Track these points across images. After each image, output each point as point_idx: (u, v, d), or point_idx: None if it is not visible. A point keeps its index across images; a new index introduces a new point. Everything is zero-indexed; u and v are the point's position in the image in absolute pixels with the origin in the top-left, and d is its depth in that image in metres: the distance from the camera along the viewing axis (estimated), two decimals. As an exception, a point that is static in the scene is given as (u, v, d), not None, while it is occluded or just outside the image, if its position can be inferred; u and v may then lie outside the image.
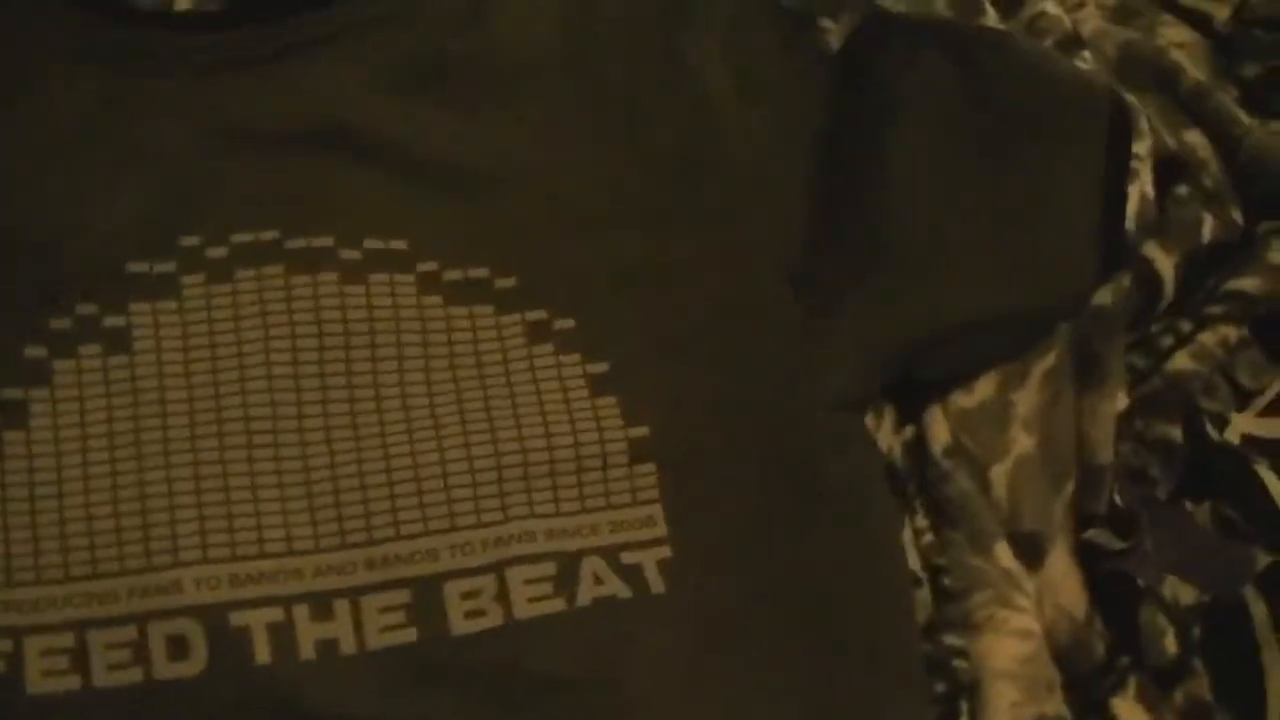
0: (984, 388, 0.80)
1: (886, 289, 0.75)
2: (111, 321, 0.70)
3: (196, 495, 0.68)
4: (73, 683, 0.65)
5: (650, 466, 0.70)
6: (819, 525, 0.71)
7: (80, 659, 0.65)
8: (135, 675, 0.65)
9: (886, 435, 0.78)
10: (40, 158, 0.73)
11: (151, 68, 0.75)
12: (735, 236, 0.74)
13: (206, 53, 0.75)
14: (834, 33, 0.82)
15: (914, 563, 0.76)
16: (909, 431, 0.79)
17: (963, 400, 0.79)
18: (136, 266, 0.71)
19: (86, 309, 0.70)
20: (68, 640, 0.65)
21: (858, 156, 0.77)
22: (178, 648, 0.66)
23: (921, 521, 0.77)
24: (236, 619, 0.66)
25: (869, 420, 0.77)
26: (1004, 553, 0.76)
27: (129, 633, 0.66)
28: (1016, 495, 0.78)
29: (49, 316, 0.69)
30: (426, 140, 0.74)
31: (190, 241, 0.71)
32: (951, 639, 0.75)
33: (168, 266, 0.71)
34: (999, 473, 0.78)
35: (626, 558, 0.69)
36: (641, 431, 0.71)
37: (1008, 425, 0.79)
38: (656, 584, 0.69)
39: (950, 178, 0.77)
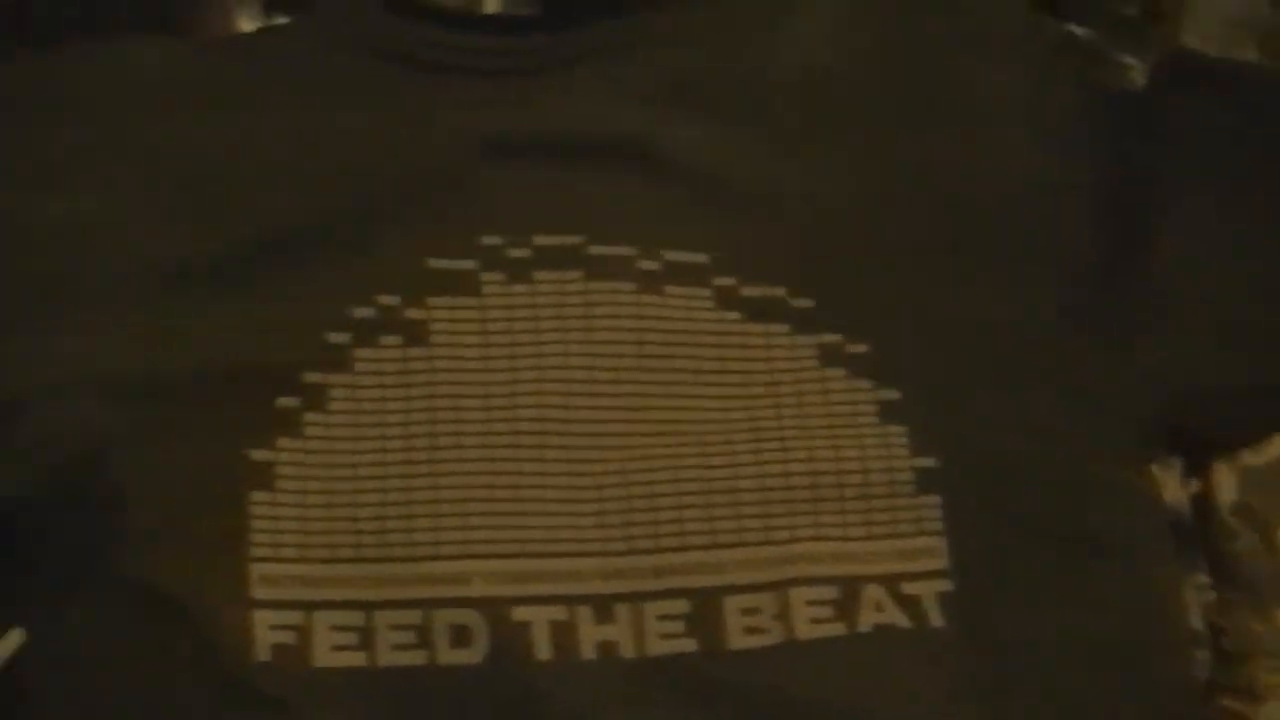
0: (1274, 447, 0.78)
1: (1166, 345, 0.74)
2: (412, 314, 0.71)
3: (489, 490, 0.69)
4: (358, 659, 0.66)
5: (935, 499, 0.70)
6: (1096, 575, 0.70)
7: (367, 637, 0.67)
8: (419, 658, 0.66)
9: (1173, 488, 0.77)
10: (339, 152, 0.74)
11: (451, 67, 0.77)
12: (1020, 274, 0.74)
13: (505, 56, 0.77)
14: (1136, 70, 0.81)
15: (1196, 621, 0.74)
16: (1195, 485, 0.77)
17: (1251, 458, 0.78)
18: (438, 263, 0.72)
19: (388, 300, 0.71)
20: (356, 618, 0.67)
21: (1148, 202, 0.76)
22: (460, 636, 0.67)
23: (1203, 579, 0.76)
24: (519, 614, 0.67)
25: (1155, 470, 0.75)
26: (1286, 618, 0.74)
27: (414, 617, 0.67)
28: (1302, 559, 0.76)
29: (352, 305, 0.71)
30: (723, 156, 0.75)
31: (492, 241, 0.72)
32: (1231, 703, 0.73)
33: (468, 264, 0.72)
34: (1286, 535, 0.76)
35: (907, 588, 0.69)
36: (929, 462, 0.70)
37: (1298, 486, 0.77)
38: (936, 617, 0.68)
39: (1242, 238, 0.75)
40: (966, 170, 0.75)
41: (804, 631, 0.67)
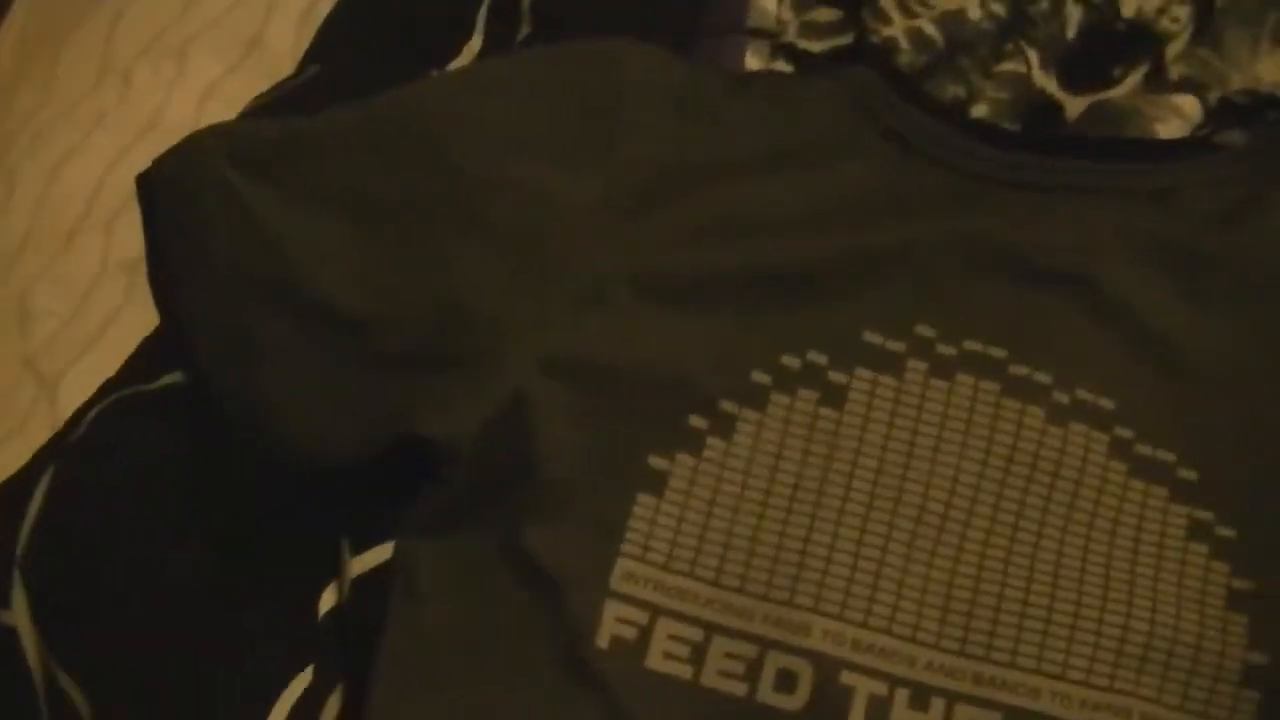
0: None
1: None
2: (835, 376, 0.75)
3: (854, 557, 0.73)
4: (685, 671, 0.71)
5: (1257, 694, 0.71)
6: None
7: (699, 654, 0.71)
8: (740, 688, 0.71)
9: None
10: (837, 208, 0.78)
11: (941, 160, 0.80)
12: None
13: (990, 162, 0.80)
14: None
15: None
16: None
17: None
18: (872, 337, 0.76)
19: (817, 357, 0.75)
20: (696, 634, 0.71)
21: None
22: (786, 681, 0.71)
23: None
24: (846, 678, 0.71)
25: None
26: None
27: (749, 649, 0.71)
28: None
29: (782, 352, 0.75)
30: (1161, 317, 0.76)
31: (926, 332, 0.76)
32: None
33: (899, 346, 0.76)
34: None
35: None
36: (1260, 659, 0.72)
37: None
38: None
39: None
40: None
41: None
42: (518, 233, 0.76)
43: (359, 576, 0.77)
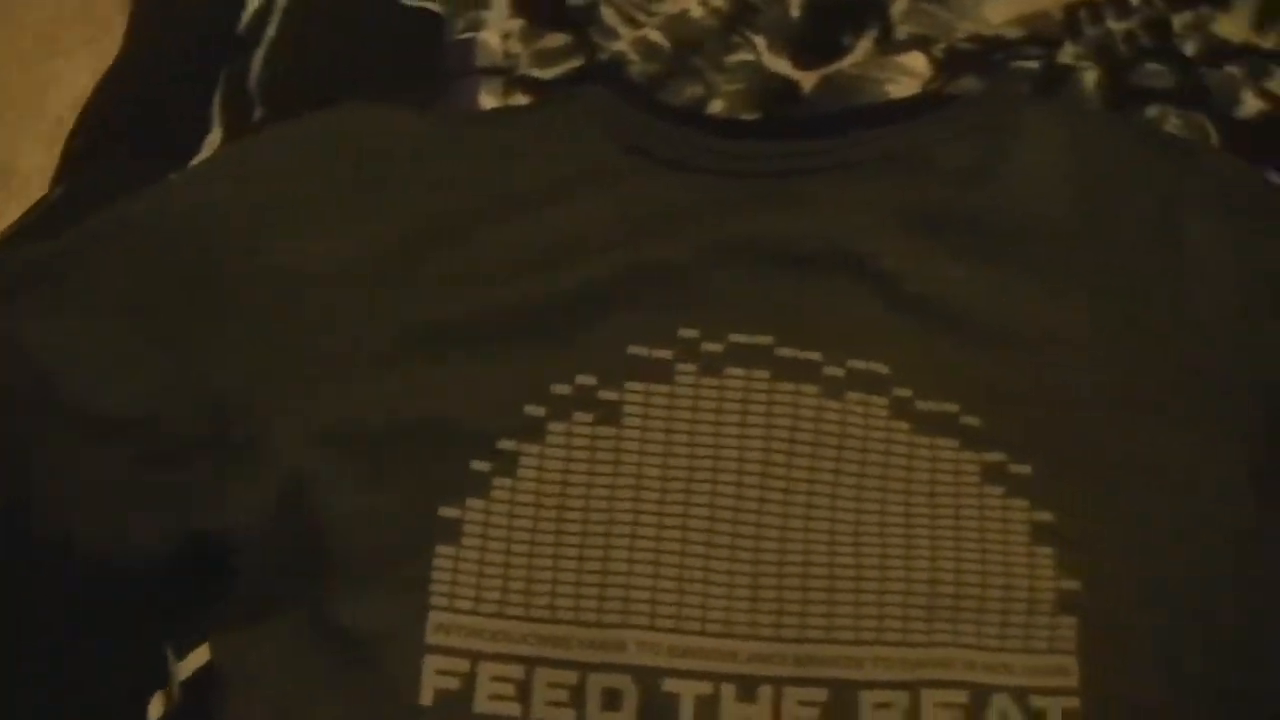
0: None
1: None
2: (606, 395, 0.75)
3: (654, 566, 0.73)
4: (514, 710, 0.71)
5: (1073, 620, 0.72)
6: None
7: (524, 691, 0.71)
8: (568, 716, 0.71)
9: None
10: (572, 232, 0.78)
11: (689, 165, 0.80)
12: (1209, 434, 0.75)
13: (731, 157, 0.80)
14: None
15: None
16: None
17: None
18: (637, 350, 0.76)
19: (586, 380, 0.75)
20: (517, 672, 0.71)
21: None
22: (611, 700, 0.71)
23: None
24: (669, 685, 0.71)
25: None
26: None
27: (571, 677, 0.71)
28: None
29: (553, 381, 0.75)
30: (922, 278, 0.77)
31: (689, 334, 0.76)
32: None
33: (665, 353, 0.76)
34: None
35: (1035, 701, 0.71)
36: (1072, 585, 0.72)
37: None
38: None
39: None
40: (1164, 314, 0.77)
41: None
42: (270, 312, 0.76)
43: (186, 680, 0.77)
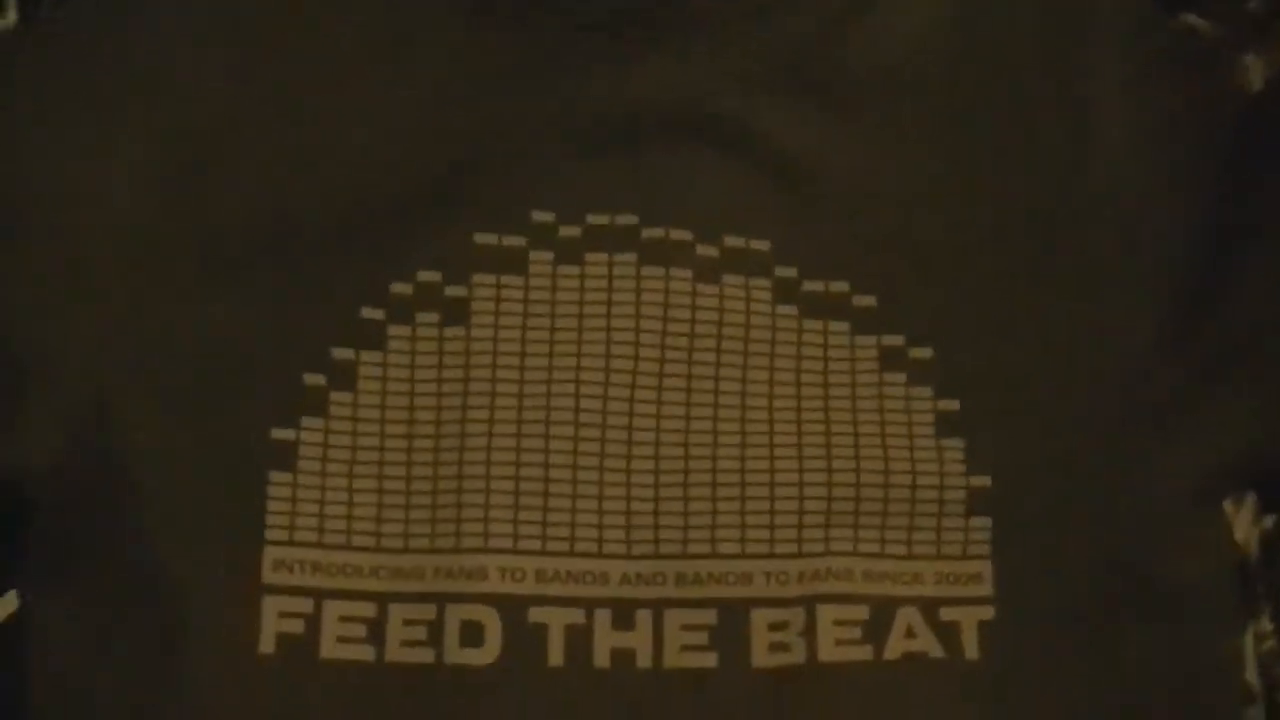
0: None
1: (1259, 382, 0.70)
2: (453, 291, 0.69)
3: (515, 481, 0.67)
4: (366, 653, 0.65)
5: (986, 521, 0.67)
6: (1145, 624, 0.68)
7: (378, 630, 0.66)
8: (426, 655, 0.65)
9: (1244, 526, 0.74)
10: (398, 112, 0.71)
11: (530, 23, 0.72)
12: (1108, 290, 0.70)
13: (584, 15, 0.71)
14: (1255, 70, 0.77)
15: (1251, 675, 0.72)
16: (1269, 521, 0.74)
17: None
18: (484, 238, 0.69)
19: (429, 276, 0.69)
20: (369, 609, 0.66)
21: (1252, 222, 0.71)
22: (472, 634, 0.65)
23: (1267, 625, 0.72)
24: (536, 615, 0.66)
25: (1227, 506, 0.72)
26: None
27: (428, 611, 0.66)
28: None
29: (390, 280, 0.69)
30: (799, 141, 0.71)
31: (543, 217, 0.70)
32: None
33: (517, 241, 0.69)
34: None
35: (945, 613, 0.67)
36: (983, 481, 0.68)
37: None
38: (971, 648, 0.66)
39: None
40: (1061, 173, 0.71)
41: (827, 653, 0.66)
42: (58, 239, 0.70)
43: (-5, 627, 0.71)
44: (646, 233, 0.69)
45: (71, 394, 0.68)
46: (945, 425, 0.68)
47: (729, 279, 0.69)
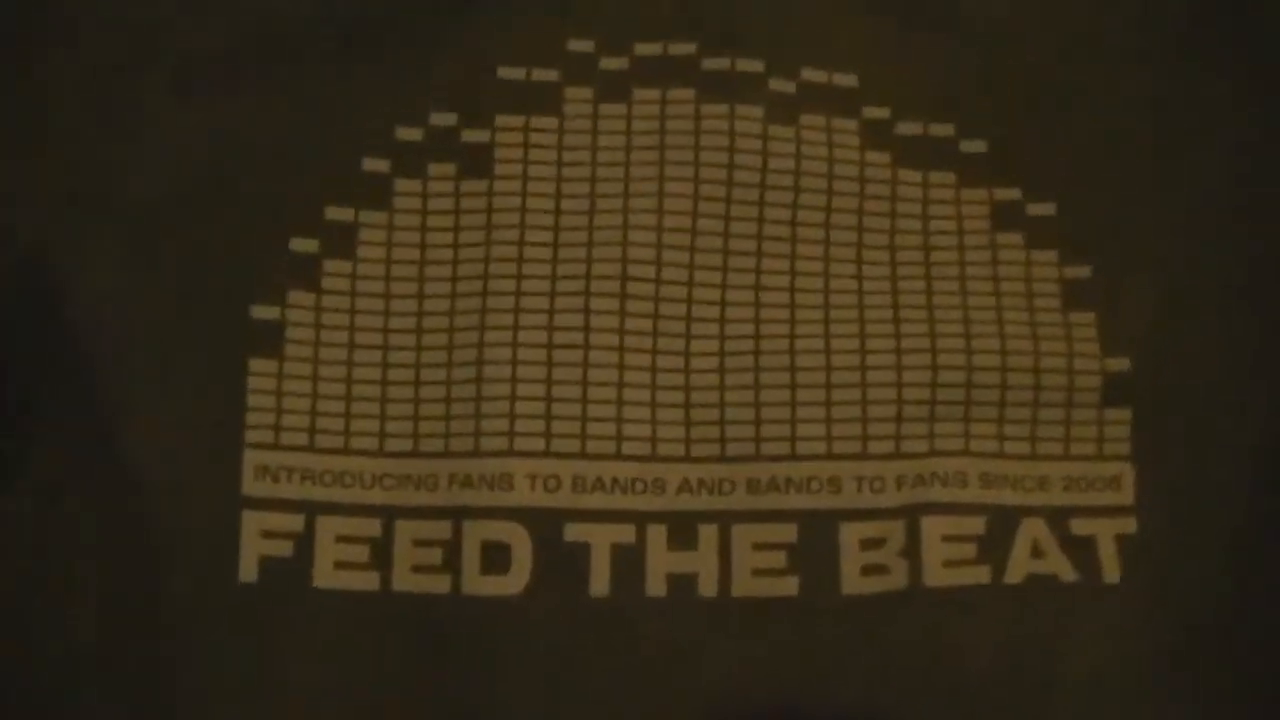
0: None
1: None
2: (472, 136, 0.62)
3: (547, 368, 0.60)
4: (370, 582, 0.59)
5: (1126, 413, 0.61)
6: None
7: (383, 552, 0.59)
8: (441, 585, 0.59)
9: None
10: None
11: None
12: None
13: None
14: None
15: None
16: None
17: None
18: (510, 72, 0.63)
19: (443, 119, 0.62)
20: (372, 527, 0.59)
21: None
22: (497, 558, 0.59)
23: None
24: (573, 532, 0.59)
25: None
26: None
27: (443, 529, 0.59)
28: None
29: (396, 124, 0.62)
30: None
31: (581, 47, 0.63)
32: None
33: (549, 75, 0.63)
34: None
35: (1078, 526, 0.60)
36: (1122, 364, 0.61)
37: None
38: (1111, 569, 0.60)
39: None
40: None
41: (934, 577, 0.59)
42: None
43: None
44: (707, 63, 0.63)
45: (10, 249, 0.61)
46: (1075, 296, 0.62)
47: (807, 119, 0.63)
